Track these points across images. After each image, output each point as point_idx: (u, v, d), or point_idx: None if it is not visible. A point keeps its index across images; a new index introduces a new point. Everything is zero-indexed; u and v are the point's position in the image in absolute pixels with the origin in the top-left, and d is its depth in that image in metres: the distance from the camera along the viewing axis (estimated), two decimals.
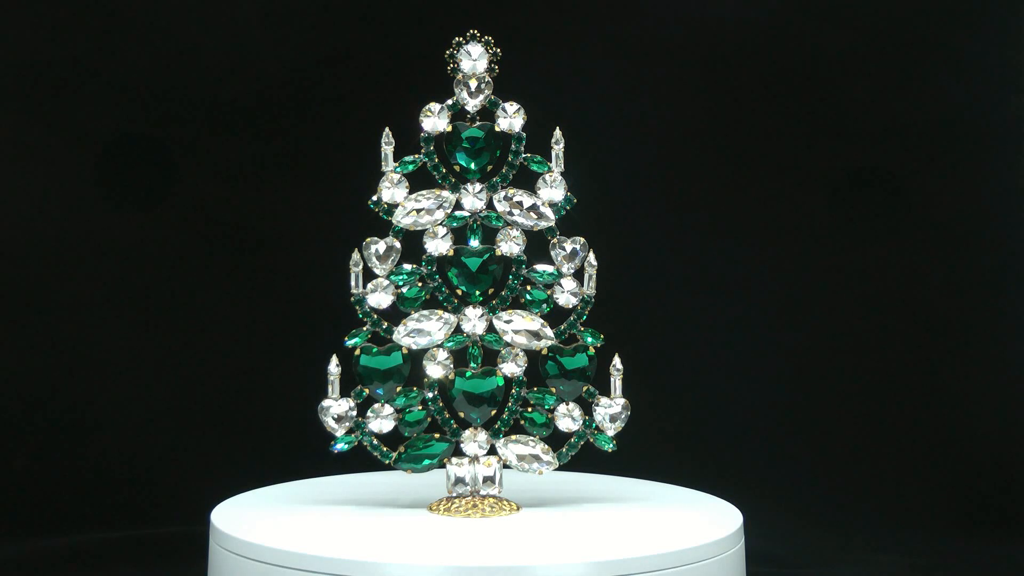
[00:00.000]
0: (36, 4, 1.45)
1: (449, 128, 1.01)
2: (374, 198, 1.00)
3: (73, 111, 1.45)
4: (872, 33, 1.50)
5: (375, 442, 1.00)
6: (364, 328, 1.00)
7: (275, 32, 1.48)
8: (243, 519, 0.98)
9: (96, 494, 1.44)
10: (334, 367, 0.99)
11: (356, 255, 1.00)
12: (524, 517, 0.99)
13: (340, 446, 1.00)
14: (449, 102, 1.01)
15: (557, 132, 1.02)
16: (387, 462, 1.00)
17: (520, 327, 1.00)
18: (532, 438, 1.01)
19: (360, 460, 1.08)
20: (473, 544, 0.92)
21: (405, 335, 0.99)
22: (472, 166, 1.01)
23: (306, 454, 1.46)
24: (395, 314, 1.01)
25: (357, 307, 1.00)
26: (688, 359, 1.51)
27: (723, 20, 1.50)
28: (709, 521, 0.99)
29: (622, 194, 1.51)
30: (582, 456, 1.09)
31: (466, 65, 1.01)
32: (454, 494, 1.00)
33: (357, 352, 1.00)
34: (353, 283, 1.00)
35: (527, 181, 1.03)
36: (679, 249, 1.51)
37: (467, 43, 1.01)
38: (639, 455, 1.43)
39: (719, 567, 0.93)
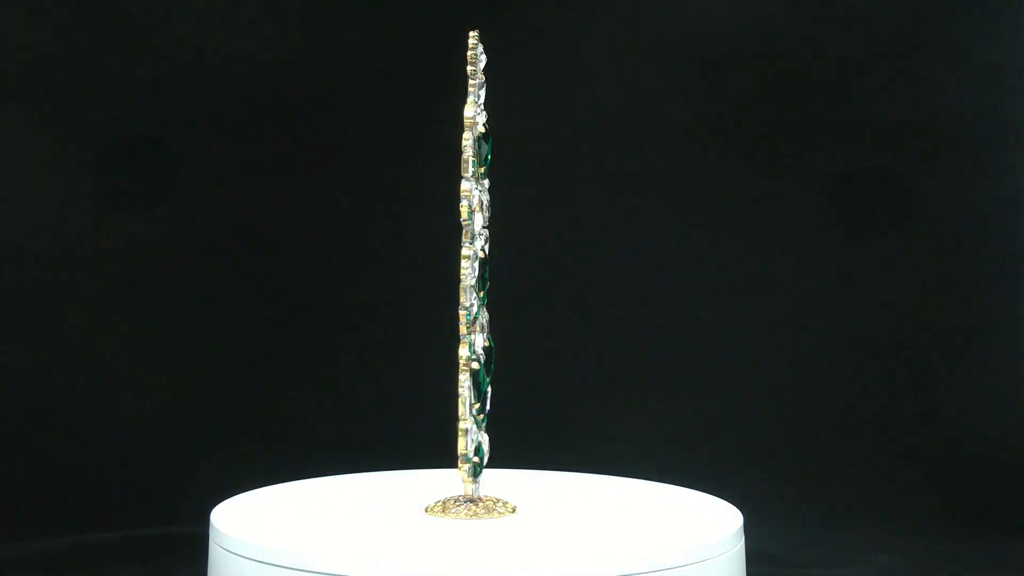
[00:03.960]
0: (36, 4, 1.45)
1: (483, 128, 0.99)
2: (465, 204, 0.95)
3: (73, 111, 1.45)
4: (872, 33, 1.50)
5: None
6: (467, 342, 0.94)
7: (276, 31, 1.48)
8: (243, 519, 0.98)
9: (96, 494, 1.44)
10: (468, 386, 0.93)
11: (468, 266, 0.94)
12: (522, 518, 0.99)
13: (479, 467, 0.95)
14: (469, 101, 1.00)
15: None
16: (471, 478, 0.96)
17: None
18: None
19: (361, 460, 1.08)
20: (472, 545, 0.92)
21: (484, 342, 0.97)
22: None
23: (305, 454, 1.46)
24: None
25: (469, 320, 0.94)
26: (688, 359, 1.51)
27: (723, 20, 1.50)
28: (709, 521, 0.99)
29: (621, 194, 1.51)
30: (582, 456, 1.09)
31: (482, 64, 1.00)
32: (473, 496, 0.99)
33: (477, 367, 0.95)
34: (465, 296, 0.94)
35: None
36: (679, 250, 1.51)
37: (478, 42, 1.00)
38: (640, 455, 1.43)
39: (719, 567, 0.93)
